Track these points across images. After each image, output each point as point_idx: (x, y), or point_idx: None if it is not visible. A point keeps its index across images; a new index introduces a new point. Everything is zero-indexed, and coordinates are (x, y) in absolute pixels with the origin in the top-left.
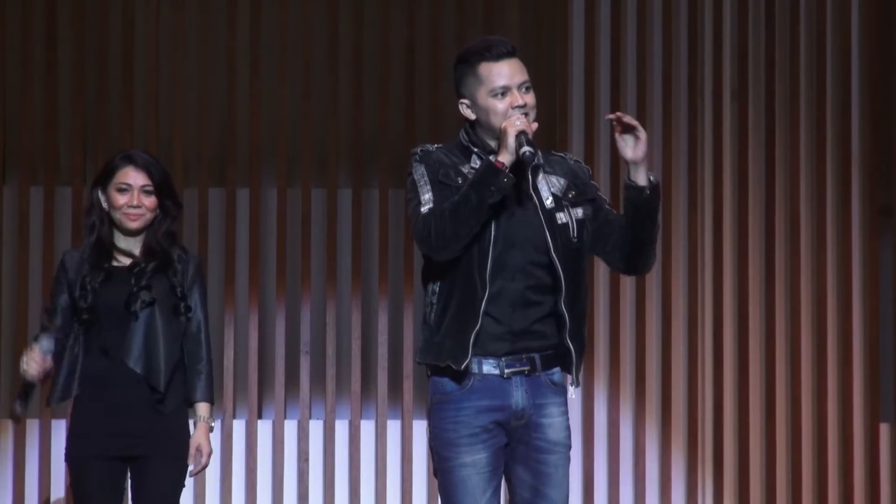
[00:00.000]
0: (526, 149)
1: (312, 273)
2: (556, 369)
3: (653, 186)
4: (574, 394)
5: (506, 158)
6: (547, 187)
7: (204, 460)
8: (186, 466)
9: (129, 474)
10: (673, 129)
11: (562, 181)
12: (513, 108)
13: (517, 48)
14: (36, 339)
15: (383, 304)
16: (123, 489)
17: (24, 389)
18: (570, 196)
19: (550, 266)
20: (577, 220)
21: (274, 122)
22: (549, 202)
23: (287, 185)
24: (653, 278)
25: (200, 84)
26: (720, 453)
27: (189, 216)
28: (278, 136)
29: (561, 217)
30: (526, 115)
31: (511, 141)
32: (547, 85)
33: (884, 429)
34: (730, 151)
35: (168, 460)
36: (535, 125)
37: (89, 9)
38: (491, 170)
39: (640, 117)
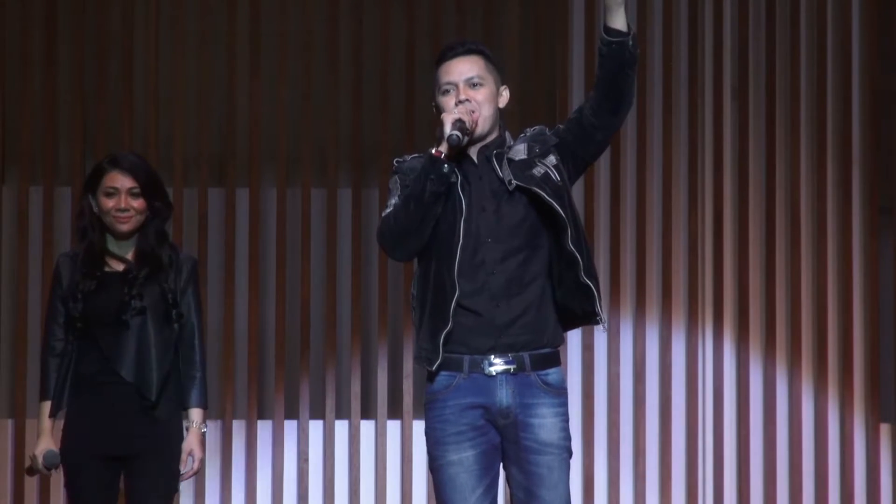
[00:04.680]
0: (453, 132)
1: (312, 273)
2: (552, 370)
3: (632, 33)
4: (604, 329)
5: (445, 148)
6: (508, 170)
7: (196, 465)
8: (179, 469)
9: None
10: (673, 128)
11: (522, 146)
12: (457, 103)
13: (479, 48)
14: (44, 455)
15: (383, 304)
16: (118, 489)
17: (31, 471)
18: (536, 150)
19: (534, 238)
20: (554, 166)
21: (274, 121)
22: (510, 184)
23: (287, 185)
24: (653, 277)
25: (200, 84)
26: (720, 453)
27: (189, 216)
28: (278, 136)
29: (538, 170)
30: (472, 112)
31: (447, 130)
32: (547, 85)
33: (884, 429)
34: (730, 150)
35: (161, 461)
36: (476, 115)
37: (89, 9)
38: (430, 160)
39: (640, 116)
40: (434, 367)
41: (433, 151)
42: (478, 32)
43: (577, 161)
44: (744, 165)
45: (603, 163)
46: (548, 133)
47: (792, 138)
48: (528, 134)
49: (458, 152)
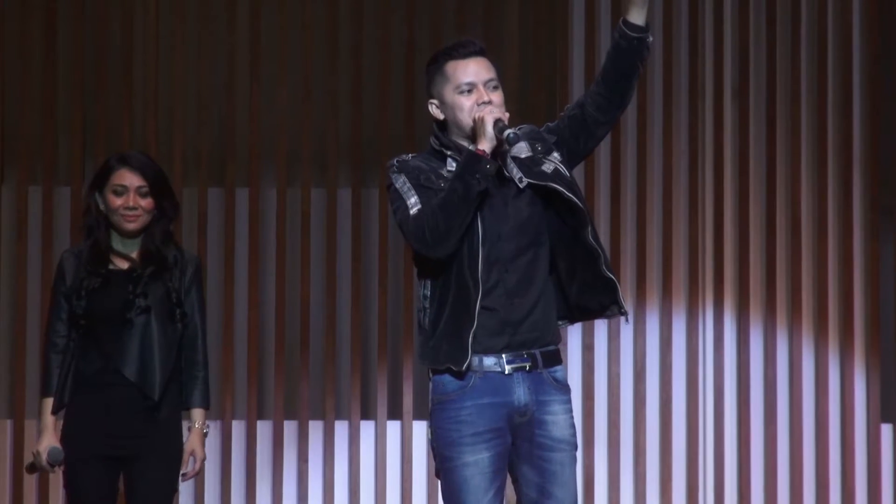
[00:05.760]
0: (510, 131)
1: (312, 273)
2: (559, 367)
3: (648, 27)
4: (627, 321)
5: (485, 146)
6: (516, 168)
7: (197, 466)
8: (179, 469)
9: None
10: (673, 129)
11: (524, 144)
12: (479, 104)
13: (486, 49)
14: (48, 451)
15: (383, 303)
16: (118, 489)
17: (32, 469)
18: (539, 148)
19: (539, 235)
20: (560, 162)
21: (273, 121)
22: (521, 181)
23: (287, 185)
24: (653, 277)
25: (200, 84)
26: (720, 453)
27: (188, 216)
28: (278, 135)
29: (548, 167)
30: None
31: (489, 128)
32: (547, 85)
33: (885, 429)
34: (730, 151)
35: (161, 462)
36: (507, 114)
37: (89, 8)
38: (473, 158)
39: (640, 117)
40: (463, 368)
41: (474, 150)
42: (478, 32)
43: (573, 157)
44: (744, 165)
45: (603, 162)
46: (541, 131)
47: (792, 139)
48: (521, 130)
49: (498, 150)
